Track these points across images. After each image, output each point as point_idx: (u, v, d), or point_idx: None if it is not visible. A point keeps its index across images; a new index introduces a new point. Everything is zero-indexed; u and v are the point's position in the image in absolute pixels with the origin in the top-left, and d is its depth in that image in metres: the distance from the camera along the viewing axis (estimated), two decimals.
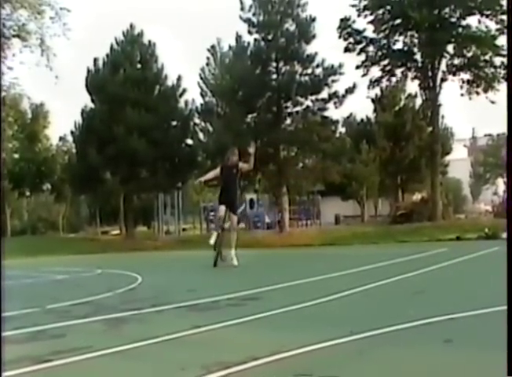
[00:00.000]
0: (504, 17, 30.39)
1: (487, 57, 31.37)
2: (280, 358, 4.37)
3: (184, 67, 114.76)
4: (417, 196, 42.42)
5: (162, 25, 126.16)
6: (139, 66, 36.12)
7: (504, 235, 17.98)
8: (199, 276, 12.75)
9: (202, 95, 43.70)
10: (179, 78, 36.48)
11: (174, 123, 36.27)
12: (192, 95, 60.41)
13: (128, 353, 4.83)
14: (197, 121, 40.91)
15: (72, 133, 37.61)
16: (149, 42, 36.49)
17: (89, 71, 35.78)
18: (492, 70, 31.40)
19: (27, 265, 19.79)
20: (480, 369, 4.02)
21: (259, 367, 4.18)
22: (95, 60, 35.81)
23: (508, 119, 3.19)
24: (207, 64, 44.59)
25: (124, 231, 39.61)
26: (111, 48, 36.07)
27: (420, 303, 6.96)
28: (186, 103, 37.28)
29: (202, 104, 41.62)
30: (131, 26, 36.15)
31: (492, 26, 30.92)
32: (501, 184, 66.64)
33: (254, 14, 29.25)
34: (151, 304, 7.44)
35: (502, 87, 31.54)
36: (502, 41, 30.65)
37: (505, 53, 30.55)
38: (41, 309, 7.58)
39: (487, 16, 30.92)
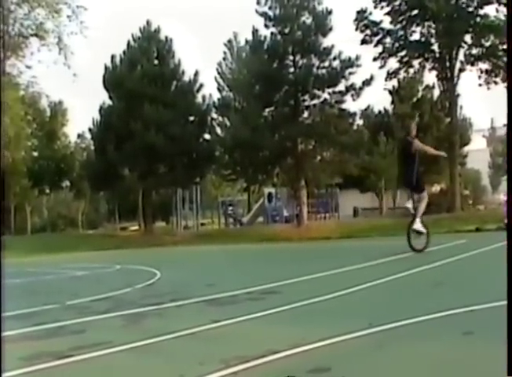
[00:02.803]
0: None
1: (505, 46, 31.10)
2: (299, 352, 4.37)
3: (201, 63, 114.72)
4: (436, 188, 42.19)
5: (178, 20, 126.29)
6: (156, 62, 36.20)
7: None
8: (217, 270, 12.75)
9: (220, 90, 43.76)
10: (196, 74, 36.54)
11: (192, 118, 36.32)
12: (209, 90, 60.44)
13: (147, 348, 4.85)
14: (214, 116, 41.02)
15: (90, 130, 37.82)
16: (166, 37, 36.55)
17: (106, 68, 35.92)
18: None
19: (47, 262, 19.94)
20: (499, 361, 3.99)
21: (278, 361, 4.18)
22: (112, 57, 35.95)
23: (508, 119, 3.16)
24: (224, 59, 44.63)
25: (143, 226, 39.77)
26: (128, 44, 36.17)
27: (439, 295, 6.92)
28: (203, 98, 37.36)
29: (219, 99, 41.71)
30: (147, 22, 36.23)
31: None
32: None
33: (270, 8, 29.21)
34: (170, 299, 7.47)
35: None
36: None
37: None
38: (61, 305, 7.64)
39: (504, 5, 30.65)
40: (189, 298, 7.52)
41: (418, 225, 12.10)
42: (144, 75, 34.25)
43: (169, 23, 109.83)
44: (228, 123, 40.93)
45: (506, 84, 31.20)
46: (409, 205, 12.34)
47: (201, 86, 36.88)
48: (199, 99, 37.08)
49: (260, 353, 4.29)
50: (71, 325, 6.05)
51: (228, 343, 4.93)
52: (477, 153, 56.22)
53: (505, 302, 5.82)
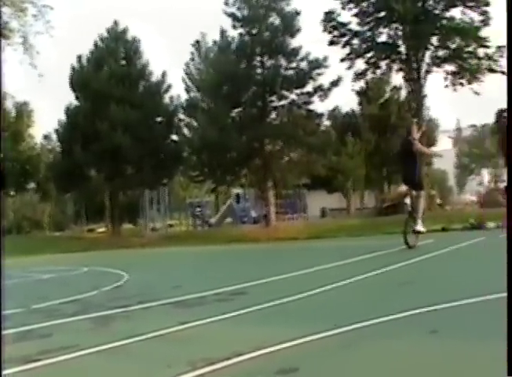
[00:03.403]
0: (487, 9, 30.58)
1: (471, 49, 31.50)
2: (265, 353, 4.38)
3: (169, 63, 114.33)
4: (402, 188, 42.52)
5: (145, 21, 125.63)
6: (123, 62, 36.01)
7: (489, 225, 18.15)
8: (185, 272, 12.73)
9: (187, 90, 43.61)
10: (163, 74, 36.43)
11: (159, 119, 36.20)
12: (177, 91, 60.27)
13: (115, 350, 4.83)
14: (182, 116, 40.87)
15: (56, 131, 37.45)
16: (133, 38, 36.38)
17: (73, 68, 35.62)
18: (476, 61, 31.53)
19: (13, 265, 19.70)
20: (464, 359, 4.05)
21: (244, 363, 4.19)
22: (79, 57, 35.66)
23: (508, 116, 3.20)
24: (192, 60, 44.47)
25: (110, 228, 39.50)
26: (96, 45, 35.93)
27: (406, 294, 6.99)
28: (171, 99, 37.28)
29: (187, 100, 41.59)
30: (115, 22, 36.00)
31: (476, 17, 31.08)
32: (485, 175, 67.06)
33: (238, 8, 29.22)
34: (138, 301, 7.44)
35: (486, 78, 31.72)
36: (485, 32, 30.85)
37: (488, 44, 30.77)
38: (28, 308, 7.56)
39: (470, 8, 31.05)
40: (157, 300, 7.50)
41: (419, 227, 12.63)
42: (111, 76, 34.05)
43: (135, 24, 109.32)
44: (195, 124, 40.80)
45: (473, 86, 31.62)
46: (407, 201, 12.95)
47: (168, 86, 36.80)
48: (167, 100, 37.01)
49: (227, 355, 4.30)
50: (39, 329, 6.00)
51: (195, 345, 4.93)
52: (443, 154, 56.76)
53: (470, 300, 5.94)
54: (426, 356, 4.19)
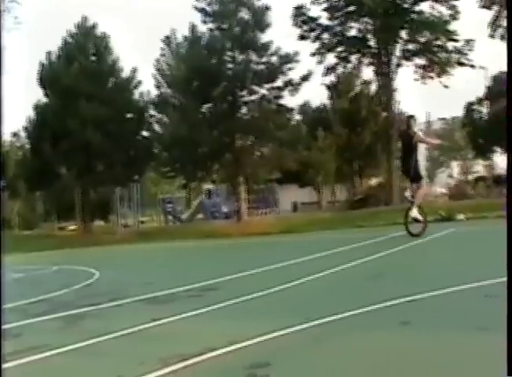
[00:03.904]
0: (456, 3, 30.84)
1: (440, 42, 31.73)
2: (238, 348, 4.38)
3: (139, 59, 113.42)
4: (374, 181, 42.78)
5: (114, 17, 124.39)
6: (93, 58, 35.67)
7: (459, 216, 18.30)
8: (156, 268, 12.66)
9: (158, 86, 43.29)
10: (134, 70, 36.11)
11: (130, 115, 35.89)
12: (147, 87, 59.83)
13: (85, 349, 4.79)
14: (152, 112, 40.57)
15: (25, 128, 37.02)
16: (103, 34, 36.04)
17: (42, 64, 35.22)
18: (445, 55, 31.78)
19: None
20: (436, 349, 4.07)
21: (217, 358, 4.18)
22: (48, 53, 35.26)
23: (508, 118, 3.21)
24: (162, 55, 44.17)
25: (81, 226, 39.17)
26: (65, 41, 35.55)
27: (378, 287, 7.02)
28: (141, 95, 36.97)
29: (157, 96, 41.29)
30: (84, 18, 35.66)
31: (445, 11, 31.32)
32: (455, 167, 67.62)
33: (208, 4, 29.07)
34: (109, 299, 7.39)
35: (455, 72, 32.00)
36: (454, 26, 31.10)
37: (457, 37, 31.04)
38: None
39: (439, 2, 31.28)
40: (128, 297, 7.46)
41: (415, 213, 12.96)
42: (81, 72, 33.67)
43: (104, 20, 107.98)
44: (166, 120, 40.56)
45: (443, 80, 31.86)
46: (407, 193, 13.40)
47: (139, 82, 36.51)
48: (137, 96, 36.72)
49: (199, 351, 4.29)
50: (8, 329, 5.91)
51: (167, 341, 4.90)
52: None
53: (441, 292, 5.98)
54: (398, 347, 4.21)
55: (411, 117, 14.24)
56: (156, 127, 40.88)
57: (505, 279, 6.34)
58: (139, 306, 6.90)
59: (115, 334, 5.19)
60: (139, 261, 15.49)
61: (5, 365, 4.35)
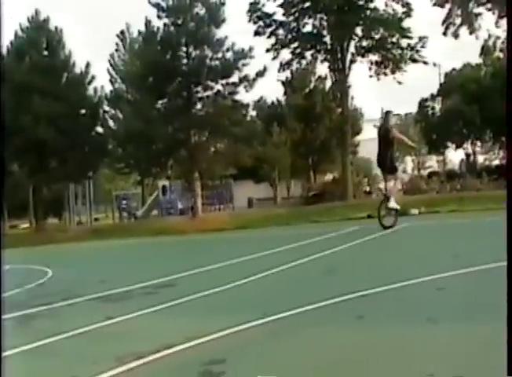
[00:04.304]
0: (409, 0, 31.21)
1: (394, 39, 32.03)
2: (195, 345, 4.36)
3: (93, 54, 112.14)
4: (328, 177, 43.06)
5: (67, 12, 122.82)
6: (46, 53, 35.13)
7: (413, 211, 18.53)
8: (111, 266, 12.53)
9: (112, 82, 42.94)
10: (87, 65, 35.64)
11: (83, 111, 35.43)
12: (101, 82, 59.29)
13: (38, 350, 4.71)
14: (107, 108, 40.22)
15: None
16: (56, 28, 35.47)
17: None
18: (399, 51, 32.11)
19: None
20: (389, 342, 4.11)
21: (173, 355, 4.16)
22: None
23: (507, 114, 3.24)
24: (116, 50, 43.76)
25: (34, 224, 38.62)
26: (16, 35, 34.94)
27: (333, 281, 7.07)
28: (95, 90, 36.52)
29: (111, 91, 40.96)
30: (36, 12, 35.08)
31: (399, 9, 31.64)
32: (409, 163, 68.46)
33: None
34: (62, 298, 7.28)
35: (409, 68, 32.38)
36: (407, 23, 31.46)
37: (411, 34, 31.42)
38: None
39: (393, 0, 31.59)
40: (82, 295, 7.37)
41: (392, 204, 13.39)
42: (33, 67, 33.13)
43: (57, 14, 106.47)
44: (120, 116, 40.26)
45: (397, 76, 32.15)
46: (381, 186, 14.11)
47: (93, 77, 36.05)
48: (91, 91, 36.27)
49: (155, 348, 4.26)
50: None
51: (123, 340, 4.86)
52: (368, 142, 57.44)
53: (395, 286, 6.05)
54: (353, 341, 4.25)
55: (389, 112, 14.65)
56: (111, 123, 40.55)
57: (456, 272, 6.50)
58: (93, 305, 6.81)
59: (68, 334, 5.12)
60: (93, 259, 15.31)
61: None
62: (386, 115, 14.39)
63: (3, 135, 24.42)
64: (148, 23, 31.73)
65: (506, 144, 4.05)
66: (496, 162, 44.60)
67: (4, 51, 34.39)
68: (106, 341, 4.93)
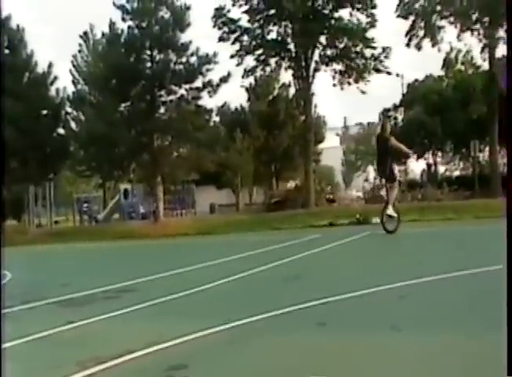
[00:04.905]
0: (374, 11, 31.56)
1: (358, 49, 32.32)
2: (156, 350, 4.36)
3: (55, 55, 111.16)
4: (291, 184, 43.18)
5: (29, 10, 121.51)
6: (7, 51, 34.73)
7: (375, 220, 18.69)
8: (72, 269, 12.41)
9: (74, 83, 42.53)
10: (50, 66, 35.35)
11: (45, 112, 35.11)
12: (64, 83, 58.60)
13: None
14: (69, 109, 39.82)
15: None
16: (17, 26, 35.11)
17: None
18: (363, 61, 32.40)
19: None
20: (351, 349, 4.15)
21: (135, 360, 4.14)
22: None
23: (507, 119, 3.28)
24: (80, 51, 43.35)
25: None
26: None
27: (295, 288, 7.11)
28: (57, 91, 36.20)
29: (74, 93, 40.55)
30: None
31: (363, 19, 31.95)
32: (371, 172, 69.07)
33: (127, 1, 28.70)
34: (21, 301, 7.18)
35: (373, 78, 32.70)
36: (371, 33, 31.80)
37: (375, 45, 31.76)
38: None
39: (358, 10, 31.87)
40: (42, 299, 7.28)
41: (390, 211, 13.73)
42: None
43: (19, 12, 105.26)
44: (83, 118, 39.91)
45: (360, 86, 32.44)
46: (383, 193, 14.48)
47: (55, 78, 35.75)
48: (53, 92, 35.95)
49: (117, 353, 4.24)
50: None
51: (84, 344, 4.83)
52: (331, 151, 58.15)
53: (356, 293, 6.11)
54: (314, 348, 4.28)
55: (385, 121, 15.02)
56: (73, 125, 40.16)
57: (416, 281, 6.59)
58: (54, 309, 6.74)
59: (28, 338, 5.07)
60: (53, 262, 15.14)
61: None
62: (383, 123, 14.86)
63: (2, 135, 24.07)
64: (112, 24, 31.56)
65: (506, 149, 4.13)
66: (457, 172, 45.29)
67: None
68: (67, 345, 4.89)
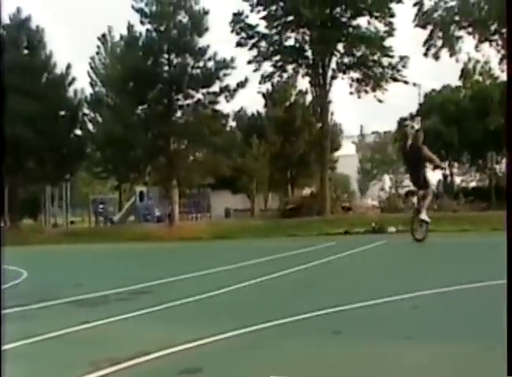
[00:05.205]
0: (392, 20, 31.48)
1: (375, 57, 32.25)
2: (171, 353, 4.34)
3: (73, 56, 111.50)
4: (306, 191, 43.12)
5: (48, 9, 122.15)
6: (26, 52, 34.92)
7: (390, 229, 18.64)
8: (87, 270, 12.44)
9: (92, 85, 42.71)
10: (68, 67, 35.52)
11: (63, 113, 35.25)
12: (82, 84, 58.82)
13: (11, 352, 4.62)
14: (86, 111, 39.99)
15: None
16: (37, 27, 35.29)
17: None
18: (380, 70, 32.33)
19: None
20: (366, 358, 4.12)
21: (149, 362, 4.13)
22: None
23: (507, 120, 3.26)
24: (98, 53, 43.54)
25: (8, 224, 38.27)
26: None
27: (310, 296, 7.07)
28: (75, 92, 36.34)
29: (91, 94, 40.72)
30: (17, 10, 34.89)
31: (381, 27, 31.90)
32: (387, 180, 68.85)
33: (146, 4, 28.78)
34: (37, 300, 7.20)
35: (390, 87, 32.60)
36: (389, 42, 31.72)
37: (392, 53, 31.68)
38: None
39: (376, 18, 31.82)
40: (57, 298, 7.29)
41: (424, 216, 13.93)
42: (13, 65, 32.96)
43: (39, 13, 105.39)
44: (100, 119, 40.08)
45: (377, 94, 32.37)
46: (414, 200, 14.35)
47: (73, 79, 35.90)
48: (71, 93, 36.11)
49: (131, 355, 4.23)
50: None
51: (98, 345, 4.82)
52: (347, 158, 57.94)
53: (372, 302, 6.06)
54: (329, 355, 4.25)
55: (418, 131, 15.29)
56: (90, 126, 40.33)
57: (431, 291, 6.53)
58: (68, 308, 6.75)
59: (43, 337, 5.06)
60: (68, 262, 15.20)
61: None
62: (417, 133, 14.89)
63: (2, 135, 24.17)
64: (130, 27, 31.66)
65: (507, 156, 4.12)
66: (473, 184, 45.06)
67: None
68: (80, 345, 4.88)
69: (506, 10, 3.44)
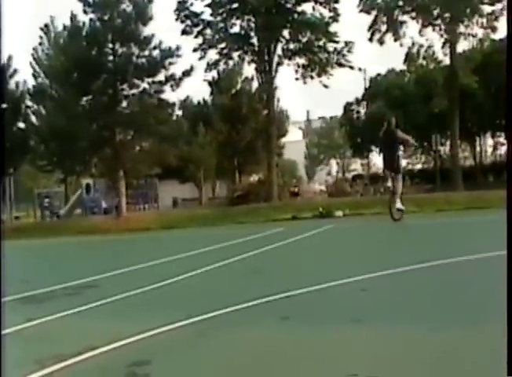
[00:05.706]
0: (336, 6, 31.71)
1: (320, 43, 32.51)
2: (119, 346, 4.30)
3: (15, 47, 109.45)
4: (254, 178, 43.26)
5: None
6: None
7: (337, 213, 18.83)
8: (33, 265, 12.26)
9: (35, 76, 41.92)
10: (9, 58, 34.92)
11: (4, 106, 34.69)
12: (24, 76, 57.84)
13: None
14: (29, 103, 39.34)
15: None
16: None
17: None
18: (326, 55, 32.61)
19: None
20: (314, 344, 4.14)
21: (96, 357, 4.08)
22: None
23: (507, 120, 3.28)
24: (40, 44, 42.71)
25: None
26: None
27: (259, 282, 7.10)
28: (17, 84, 35.78)
29: (34, 86, 40.02)
30: None
31: (326, 13, 32.11)
32: (334, 165, 69.46)
33: None
34: None
35: (335, 72, 32.93)
36: (334, 28, 32.00)
37: (337, 39, 31.95)
38: None
39: (320, 4, 32.03)
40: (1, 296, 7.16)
41: (399, 205, 14.50)
42: None
43: None
44: (43, 112, 39.41)
45: (323, 80, 32.55)
46: (389, 184, 14.59)
47: (15, 71, 35.33)
48: (13, 85, 35.49)
49: (78, 351, 4.17)
50: None
51: (44, 342, 4.75)
52: (294, 144, 58.25)
53: (319, 287, 6.11)
54: (277, 341, 4.27)
55: (393, 115, 15.62)
56: (33, 119, 39.63)
57: (378, 274, 6.62)
58: (13, 306, 6.61)
59: None
60: (13, 258, 14.91)
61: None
62: (390, 119, 15.15)
63: (2, 134, 23.65)
64: (73, 17, 31.17)
65: (507, 143, 4.18)
66: (419, 166, 45.82)
67: None
68: (26, 343, 4.81)
69: (506, 9, 3.50)
